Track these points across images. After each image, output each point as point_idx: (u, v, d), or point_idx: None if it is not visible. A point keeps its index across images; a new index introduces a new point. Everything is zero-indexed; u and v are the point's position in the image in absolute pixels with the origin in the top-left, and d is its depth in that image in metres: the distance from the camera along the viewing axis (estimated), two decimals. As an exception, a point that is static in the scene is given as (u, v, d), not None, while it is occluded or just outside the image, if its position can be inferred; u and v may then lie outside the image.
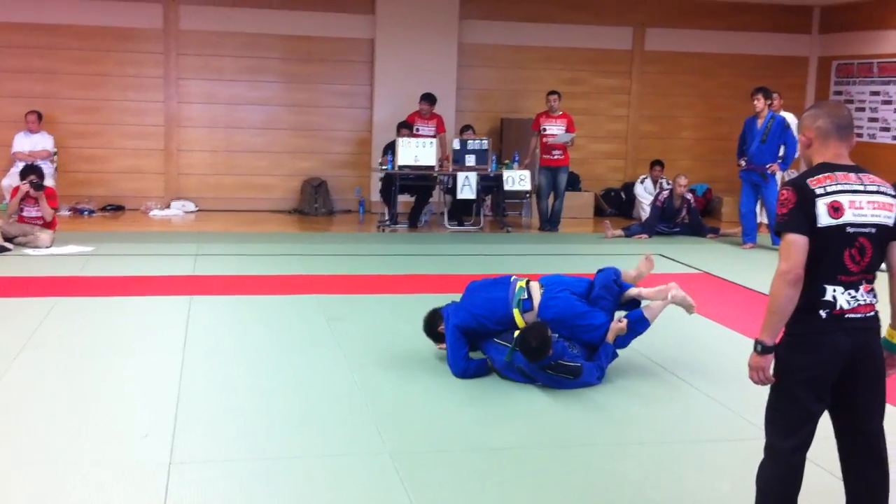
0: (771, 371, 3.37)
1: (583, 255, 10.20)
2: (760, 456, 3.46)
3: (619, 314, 5.83)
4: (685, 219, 11.69)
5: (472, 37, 13.17)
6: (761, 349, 3.33)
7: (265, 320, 6.94)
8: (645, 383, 5.66)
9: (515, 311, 5.65)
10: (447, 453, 4.56)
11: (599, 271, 5.95)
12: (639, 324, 5.73)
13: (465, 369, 5.64)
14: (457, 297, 6.05)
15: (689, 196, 11.80)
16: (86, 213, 12.03)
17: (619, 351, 5.73)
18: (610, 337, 5.64)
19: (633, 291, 5.87)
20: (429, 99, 12.09)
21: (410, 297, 7.75)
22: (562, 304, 5.66)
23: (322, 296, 7.71)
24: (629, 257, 9.94)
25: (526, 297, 5.70)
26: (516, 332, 5.54)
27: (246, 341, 6.37)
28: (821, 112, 3.44)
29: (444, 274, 8.87)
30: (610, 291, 5.79)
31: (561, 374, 5.43)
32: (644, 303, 5.91)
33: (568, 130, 11.73)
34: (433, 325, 5.93)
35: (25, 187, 9.53)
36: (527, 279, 5.88)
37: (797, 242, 3.26)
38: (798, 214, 3.27)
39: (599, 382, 5.56)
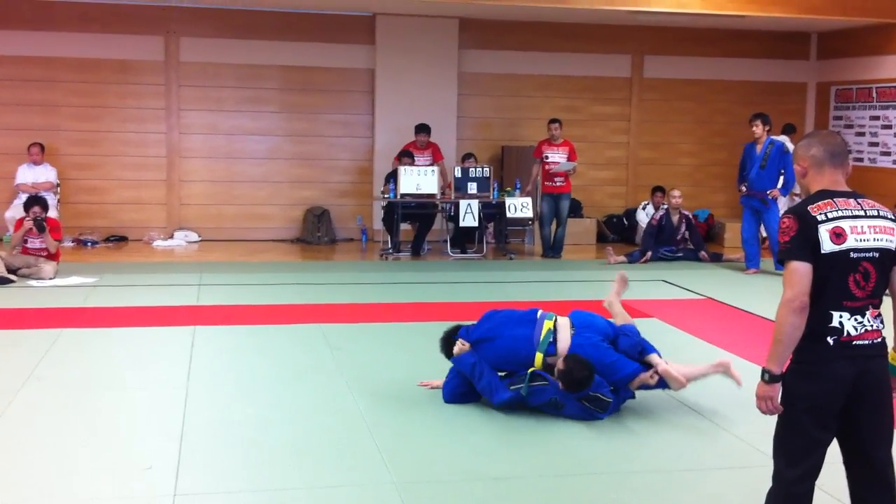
0: (779, 400, 3.37)
1: (586, 281, 10.20)
2: (766, 484, 3.45)
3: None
4: (685, 235, 11.70)
5: (471, 66, 13.24)
6: (769, 378, 3.32)
7: (268, 350, 6.93)
8: (647, 410, 5.63)
9: (539, 355, 5.46)
10: (450, 483, 4.53)
11: (622, 328, 5.74)
12: (663, 382, 5.56)
13: (453, 402, 5.65)
14: (461, 324, 5.94)
15: (687, 212, 11.87)
16: (89, 244, 12.05)
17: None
18: (634, 384, 5.49)
19: (654, 360, 5.59)
20: (424, 130, 12.15)
21: (413, 326, 7.75)
22: (591, 352, 5.43)
23: (325, 325, 7.71)
24: (631, 283, 9.94)
25: (553, 340, 5.51)
26: (530, 370, 5.45)
27: (249, 371, 6.36)
28: (814, 141, 3.47)
29: (448, 302, 8.86)
30: (632, 354, 5.61)
31: (594, 406, 5.36)
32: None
33: (570, 159, 11.76)
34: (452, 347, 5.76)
35: (28, 224, 9.55)
36: (555, 317, 5.64)
37: (801, 270, 3.27)
38: (801, 242, 3.28)
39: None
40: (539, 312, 5.71)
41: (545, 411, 5.46)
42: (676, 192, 11.75)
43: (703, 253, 11.65)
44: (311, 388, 5.98)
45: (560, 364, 5.38)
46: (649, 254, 11.45)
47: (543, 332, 5.53)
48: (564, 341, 5.51)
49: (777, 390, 3.34)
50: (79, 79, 12.37)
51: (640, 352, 5.58)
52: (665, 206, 11.88)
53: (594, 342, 5.51)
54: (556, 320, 5.63)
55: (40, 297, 8.71)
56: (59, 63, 12.29)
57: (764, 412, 3.39)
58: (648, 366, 5.51)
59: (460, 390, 5.66)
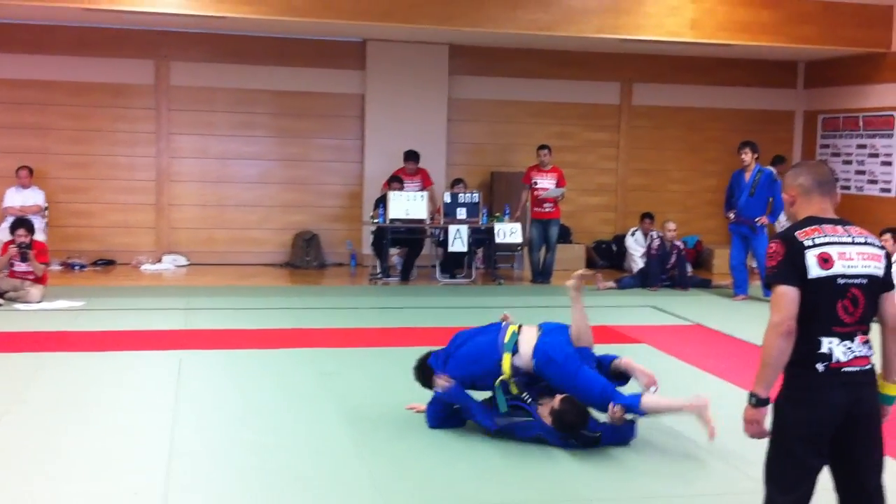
0: (766, 424, 3.37)
1: (574, 307, 10.19)
2: (758, 510, 3.44)
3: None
4: (674, 266, 11.74)
5: (461, 92, 13.31)
6: (755, 402, 3.33)
7: (257, 375, 6.89)
8: (641, 438, 5.60)
9: (506, 356, 5.45)
10: (441, 509, 4.51)
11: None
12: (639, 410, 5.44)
13: (439, 426, 5.64)
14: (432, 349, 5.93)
15: (680, 244, 11.91)
16: (77, 267, 12.00)
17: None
18: (607, 418, 5.40)
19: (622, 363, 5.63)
20: (413, 157, 12.19)
21: (403, 350, 7.70)
22: (556, 355, 5.39)
23: (314, 349, 7.68)
24: (620, 309, 9.98)
25: (517, 341, 5.52)
26: (497, 381, 5.44)
27: (237, 396, 6.33)
28: (801, 170, 3.51)
29: (437, 327, 8.84)
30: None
31: (581, 443, 5.33)
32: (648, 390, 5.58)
33: (558, 185, 11.81)
34: (427, 377, 5.75)
35: (14, 251, 9.49)
36: (520, 325, 5.67)
37: (788, 294, 3.28)
38: (787, 266, 3.30)
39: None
40: (503, 323, 5.72)
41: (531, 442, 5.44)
42: (672, 225, 11.81)
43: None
44: (301, 413, 5.95)
45: (555, 404, 5.32)
46: (658, 287, 11.50)
47: (508, 335, 5.54)
48: (528, 342, 5.49)
49: (763, 414, 3.34)
50: (70, 102, 12.38)
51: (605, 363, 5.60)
52: (659, 235, 11.91)
53: (560, 342, 5.47)
54: (520, 326, 5.64)
55: (27, 320, 8.66)
56: (52, 86, 12.30)
57: (751, 436, 3.39)
58: (621, 377, 5.52)
59: (443, 415, 5.65)
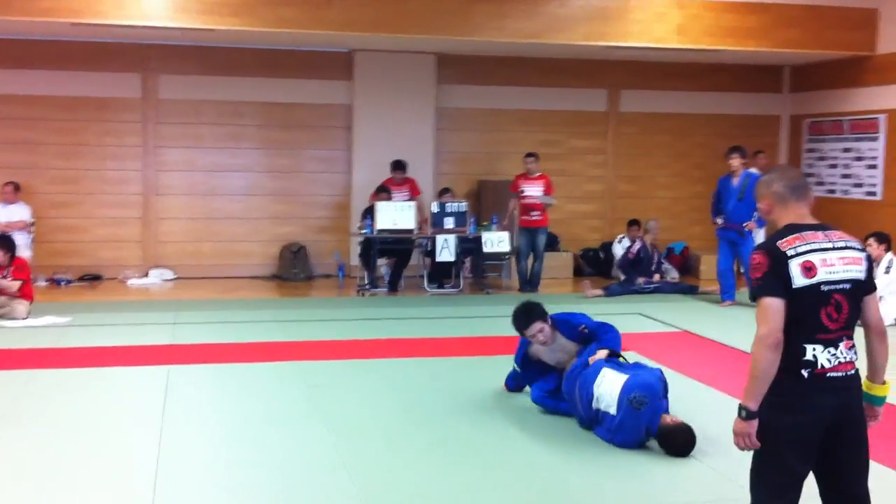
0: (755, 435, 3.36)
1: (563, 315, 10.19)
2: (745, 519, 3.43)
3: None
4: (657, 267, 11.95)
5: (449, 101, 13.32)
6: (746, 415, 3.31)
7: (245, 389, 6.87)
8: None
9: None
10: (429, 522, 4.49)
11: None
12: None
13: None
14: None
15: (656, 244, 12.17)
16: (63, 283, 11.94)
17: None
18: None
19: None
20: (400, 167, 12.19)
21: (392, 362, 7.71)
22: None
23: (303, 362, 7.65)
24: (608, 317, 9.95)
25: None
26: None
27: (226, 411, 6.30)
28: (774, 177, 3.50)
29: (426, 337, 8.83)
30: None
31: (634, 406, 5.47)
32: None
33: (546, 192, 11.81)
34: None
35: None
36: None
37: (774, 306, 3.27)
38: (772, 278, 3.29)
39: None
40: None
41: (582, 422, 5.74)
42: (654, 223, 11.95)
43: (656, 275, 11.82)
44: (290, 427, 5.91)
45: (669, 421, 5.50)
46: (641, 279, 11.59)
47: None
48: None
49: (754, 427, 3.33)
50: (57, 117, 12.32)
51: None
52: (640, 239, 11.98)
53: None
54: None
55: (13, 337, 8.60)
56: (39, 101, 12.25)
57: (741, 448, 3.38)
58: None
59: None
